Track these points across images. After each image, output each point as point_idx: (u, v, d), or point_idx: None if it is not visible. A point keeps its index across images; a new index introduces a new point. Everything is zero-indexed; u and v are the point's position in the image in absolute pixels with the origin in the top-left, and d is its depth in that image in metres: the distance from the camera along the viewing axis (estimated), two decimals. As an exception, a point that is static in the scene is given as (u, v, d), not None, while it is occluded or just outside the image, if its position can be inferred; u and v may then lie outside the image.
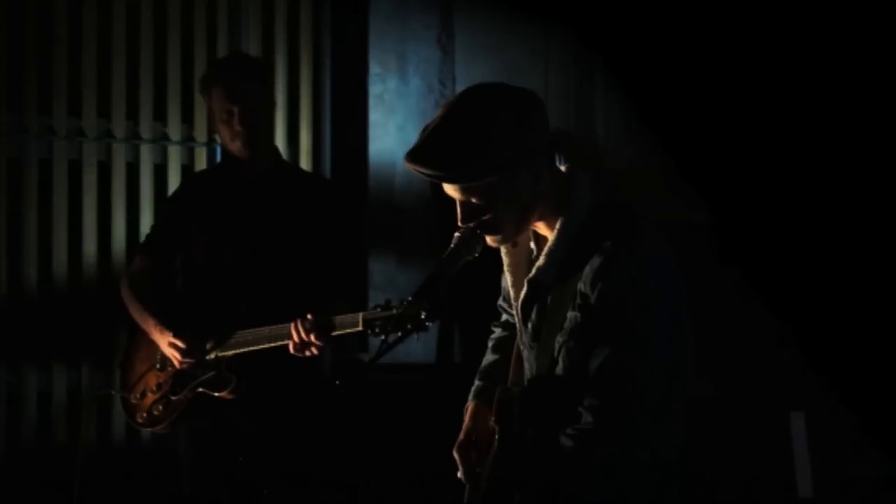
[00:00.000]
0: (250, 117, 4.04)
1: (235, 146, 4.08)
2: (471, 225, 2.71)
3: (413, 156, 2.66)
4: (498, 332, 3.09)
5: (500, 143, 2.63)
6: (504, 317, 3.08)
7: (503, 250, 2.86)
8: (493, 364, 3.04)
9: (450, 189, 2.70)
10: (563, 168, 2.78)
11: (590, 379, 2.64)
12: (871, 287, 5.00)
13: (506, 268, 2.88)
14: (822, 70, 5.07)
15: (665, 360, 2.65)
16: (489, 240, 2.75)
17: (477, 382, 3.02)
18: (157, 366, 4.09)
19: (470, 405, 2.98)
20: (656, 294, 2.64)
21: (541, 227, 2.78)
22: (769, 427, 4.75)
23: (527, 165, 2.68)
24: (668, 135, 5.42)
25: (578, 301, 2.67)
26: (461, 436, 2.93)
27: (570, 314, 2.69)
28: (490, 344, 3.10)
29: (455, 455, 2.91)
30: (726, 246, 5.13)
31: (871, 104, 5.00)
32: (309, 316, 3.77)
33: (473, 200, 2.69)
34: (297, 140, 5.84)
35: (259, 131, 4.08)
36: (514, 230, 2.75)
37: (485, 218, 2.70)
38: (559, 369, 2.71)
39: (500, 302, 3.05)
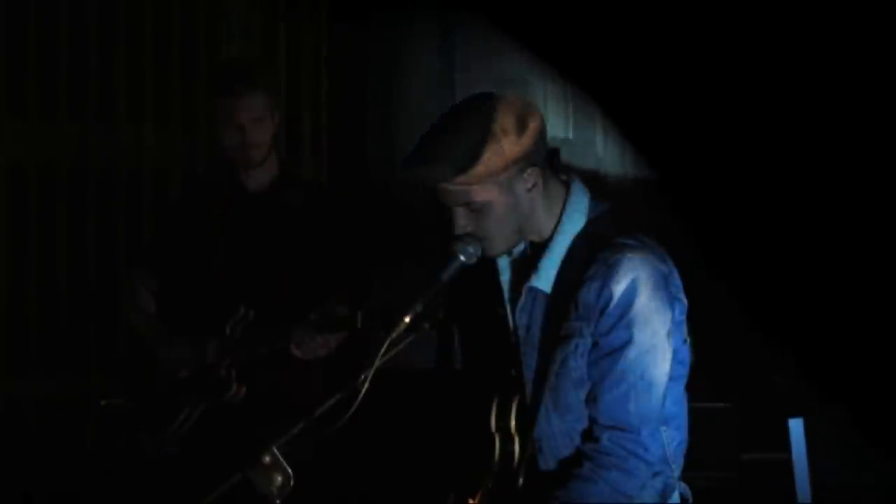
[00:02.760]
0: (255, 136, 4.05)
1: (239, 159, 4.10)
2: (466, 233, 2.72)
3: (411, 161, 2.68)
4: None
5: (498, 148, 2.64)
6: None
7: (501, 258, 2.87)
8: None
9: (446, 194, 2.71)
10: (562, 177, 2.80)
11: (593, 392, 2.67)
12: (870, 291, 5.01)
13: (502, 275, 2.89)
14: (811, 80, 5.11)
15: (662, 368, 2.67)
16: (485, 249, 2.75)
17: None
18: (159, 371, 4.10)
19: None
20: (652, 304, 2.66)
21: (537, 236, 2.79)
22: (767, 434, 4.76)
23: (524, 172, 2.69)
24: (663, 161, 5.47)
25: (580, 311, 2.69)
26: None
27: (570, 324, 2.70)
28: None
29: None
30: (720, 252, 5.15)
31: (856, 122, 5.05)
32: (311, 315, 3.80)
33: (469, 207, 2.70)
34: (296, 146, 5.85)
35: (263, 143, 4.09)
36: (510, 239, 2.76)
37: (480, 225, 2.71)
38: (560, 379, 2.72)
39: (500, 308, 3.05)
